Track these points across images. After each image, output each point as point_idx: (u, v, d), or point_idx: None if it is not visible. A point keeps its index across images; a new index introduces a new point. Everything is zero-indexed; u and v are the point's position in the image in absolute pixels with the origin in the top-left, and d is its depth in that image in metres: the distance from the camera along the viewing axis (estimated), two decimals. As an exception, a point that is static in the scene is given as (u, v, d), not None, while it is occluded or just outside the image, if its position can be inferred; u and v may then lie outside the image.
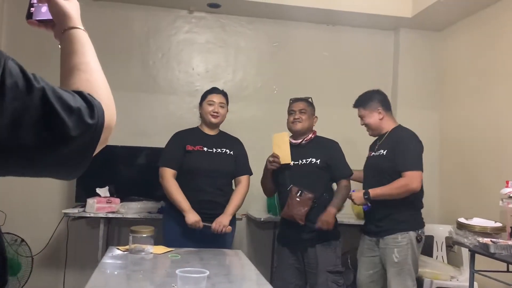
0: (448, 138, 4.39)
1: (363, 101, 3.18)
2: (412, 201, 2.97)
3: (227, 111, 3.23)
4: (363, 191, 2.99)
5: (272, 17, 4.41)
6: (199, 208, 2.97)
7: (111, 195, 3.74)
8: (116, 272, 2.21)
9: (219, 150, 3.12)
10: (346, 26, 4.55)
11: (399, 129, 3.13)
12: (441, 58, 4.53)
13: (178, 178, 3.05)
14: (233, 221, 3.11)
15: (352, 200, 3.03)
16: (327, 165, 3.12)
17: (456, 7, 3.89)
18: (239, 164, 3.19)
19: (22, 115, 0.67)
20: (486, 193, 3.62)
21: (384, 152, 3.04)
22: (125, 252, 2.45)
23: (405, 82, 4.47)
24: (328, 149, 3.18)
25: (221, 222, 2.96)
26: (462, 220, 2.97)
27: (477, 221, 2.93)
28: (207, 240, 2.93)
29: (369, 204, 2.96)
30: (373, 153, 3.17)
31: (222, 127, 3.27)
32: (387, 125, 3.13)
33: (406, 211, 2.97)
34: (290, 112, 3.24)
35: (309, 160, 3.12)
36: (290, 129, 3.24)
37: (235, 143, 3.24)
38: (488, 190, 3.60)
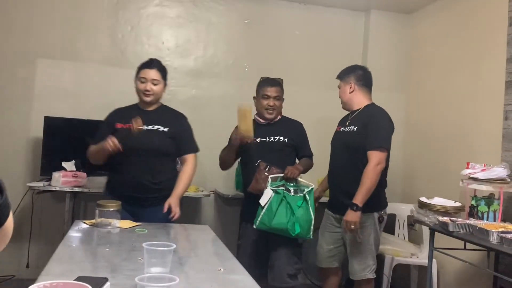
0: (413, 120, 4.49)
1: (342, 73, 3.19)
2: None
3: (165, 85, 2.96)
4: (351, 210, 2.81)
5: (245, -6, 4.37)
6: (126, 190, 2.79)
7: (78, 169, 3.69)
8: (82, 246, 2.20)
9: (150, 127, 2.83)
10: (319, 6, 4.56)
11: (372, 106, 3.07)
12: (409, 41, 4.60)
13: (109, 160, 2.83)
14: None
15: (351, 225, 2.82)
16: (293, 143, 3.21)
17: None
18: (182, 141, 2.93)
19: None
20: (448, 174, 3.74)
21: (355, 128, 3.00)
22: (91, 226, 2.44)
23: (374, 63, 4.51)
24: (294, 129, 3.27)
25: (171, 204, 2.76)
26: (423, 199, 3.07)
27: (437, 201, 3.03)
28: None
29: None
30: (342, 128, 3.13)
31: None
32: (359, 101, 3.08)
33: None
34: (264, 96, 3.19)
35: (277, 138, 3.16)
36: (262, 115, 3.22)
37: (174, 119, 2.95)
38: (449, 171, 3.72)
